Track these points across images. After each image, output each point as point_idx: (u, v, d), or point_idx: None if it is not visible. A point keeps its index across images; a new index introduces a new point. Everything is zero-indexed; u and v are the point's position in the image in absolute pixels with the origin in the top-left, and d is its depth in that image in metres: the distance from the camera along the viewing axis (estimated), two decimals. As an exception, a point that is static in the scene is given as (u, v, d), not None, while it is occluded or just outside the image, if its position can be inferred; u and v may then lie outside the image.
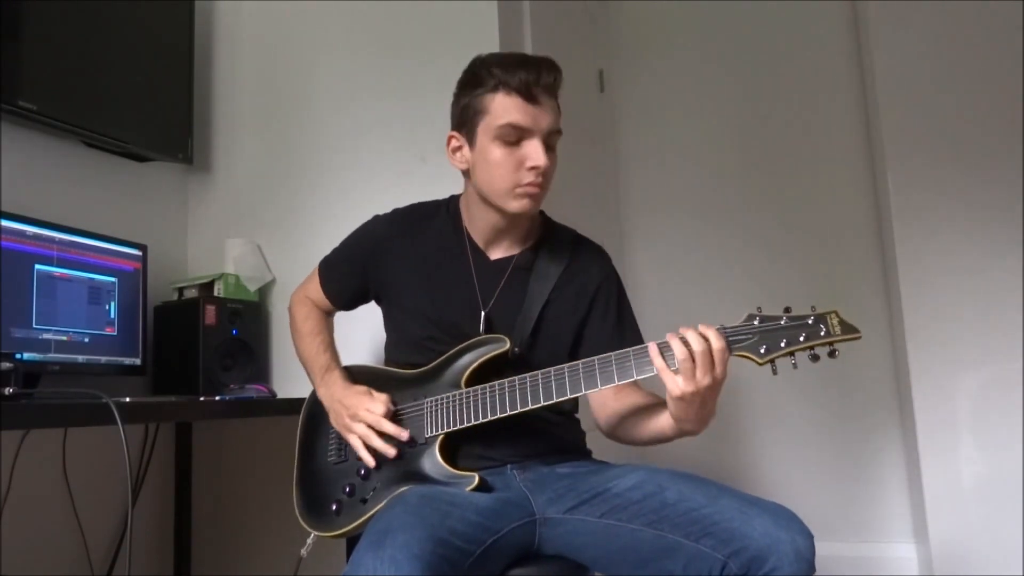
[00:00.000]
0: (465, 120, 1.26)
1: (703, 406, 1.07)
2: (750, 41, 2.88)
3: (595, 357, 1.13)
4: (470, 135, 1.25)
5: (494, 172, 1.23)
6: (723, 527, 1.03)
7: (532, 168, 1.21)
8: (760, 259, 2.76)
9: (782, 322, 1.07)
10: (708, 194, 2.88)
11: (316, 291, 1.48)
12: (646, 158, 3.00)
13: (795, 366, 1.07)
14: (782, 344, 1.06)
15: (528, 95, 1.19)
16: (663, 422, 1.15)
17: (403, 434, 1.22)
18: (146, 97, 2.03)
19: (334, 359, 1.41)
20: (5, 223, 1.54)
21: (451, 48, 1.99)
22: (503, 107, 1.20)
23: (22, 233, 1.58)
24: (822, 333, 1.04)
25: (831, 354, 1.05)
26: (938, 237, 2.32)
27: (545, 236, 1.38)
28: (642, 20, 3.06)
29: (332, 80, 2.15)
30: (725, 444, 2.77)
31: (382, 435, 1.23)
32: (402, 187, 1.95)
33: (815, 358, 1.06)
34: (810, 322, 1.05)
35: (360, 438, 1.24)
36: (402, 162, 2.01)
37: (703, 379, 1.04)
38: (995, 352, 2.23)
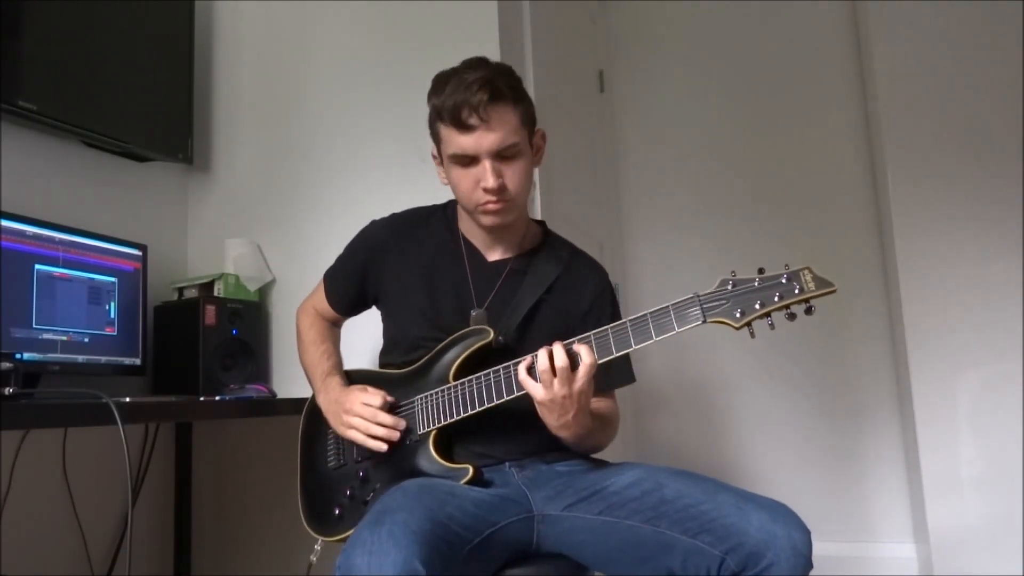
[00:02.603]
0: (433, 139, 1.31)
1: (562, 415, 1.12)
2: (750, 41, 2.89)
3: (576, 337, 1.13)
4: (440, 155, 1.30)
5: (459, 192, 1.29)
6: (720, 523, 1.04)
7: (485, 190, 1.23)
8: (761, 258, 2.71)
9: (756, 283, 1.07)
10: (708, 193, 2.88)
11: (321, 301, 1.50)
12: (646, 158, 3.00)
13: (772, 326, 1.07)
14: (757, 306, 1.06)
15: (460, 124, 1.20)
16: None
17: (400, 423, 1.23)
18: (146, 97, 2.03)
19: (335, 366, 1.41)
20: (5, 223, 1.54)
21: (451, 48, 1.98)
22: (446, 137, 1.24)
23: (22, 233, 1.58)
24: (796, 291, 1.05)
25: (808, 311, 1.05)
26: (938, 236, 2.32)
27: (543, 244, 1.40)
28: (642, 20, 3.06)
29: (332, 80, 2.15)
30: (724, 442, 2.77)
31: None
32: (401, 187, 1.95)
33: (792, 316, 1.06)
34: (783, 280, 1.05)
35: (359, 431, 1.23)
36: (401, 162, 2.01)
37: (559, 390, 1.09)
38: (995, 351, 2.23)
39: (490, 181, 1.21)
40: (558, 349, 1.10)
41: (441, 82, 1.24)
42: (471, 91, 1.18)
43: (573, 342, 1.12)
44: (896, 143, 2.41)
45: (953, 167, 2.33)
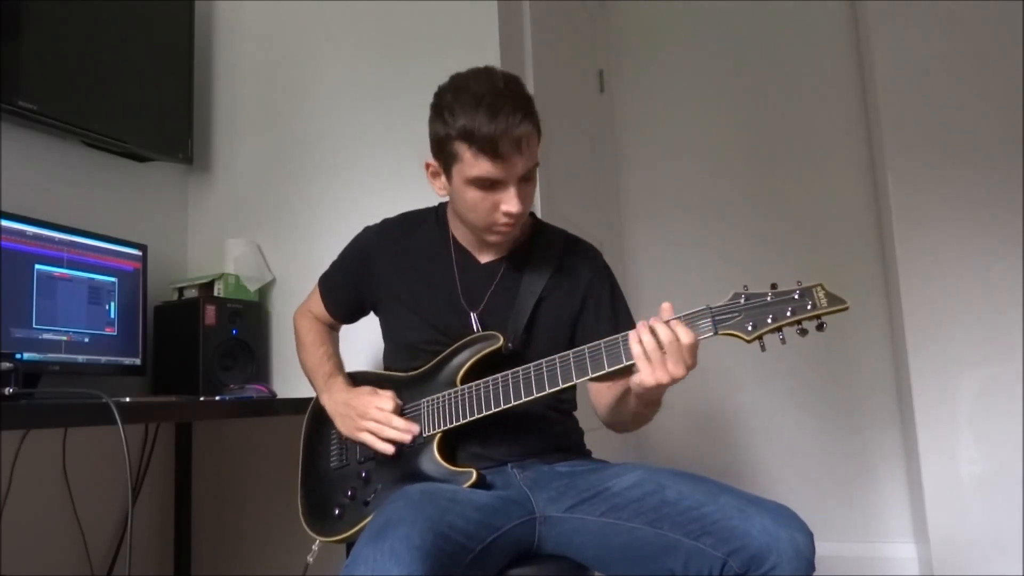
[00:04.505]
0: (440, 153, 1.22)
1: (663, 391, 1.09)
2: (750, 41, 2.89)
3: (585, 346, 1.13)
4: (446, 170, 1.23)
5: (469, 212, 1.23)
6: (723, 525, 1.03)
7: (506, 213, 1.20)
8: (761, 259, 2.76)
9: (768, 298, 1.06)
10: (708, 194, 2.88)
11: (318, 306, 1.50)
12: (646, 158, 3.00)
13: (783, 341, 1.07)
14: (769, 320, 1.05)
15: (495, 153, 1.13)
16: (633, 400, 1.16)
17: (414, 428, 1.22)
18: (146, 97, 2.03)
19: (337, 367, 1.41)
20: (5, 223, 1.54)
21: (451, 48, 2.00)
22: (472, 160, 1.16)
23: (22, 233, 1.58)
24: (809, 307, 1.04)
25: (819, 327, 1.05)
26: (938, 237, 2.32)
27: (535, 237, 1.38)
28: (642, 20, 3.06)
29: (332, 80, 2.15)
30: (725, 444, 2.77)
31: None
32: (402, 186, 1.96)
33: (803, 332, 1.06)
34: (796, 296, 1.05)
35: (372, 433, 1.23)
36: (402, 162, 2.01)
37: (675, 369, 1.04)
38: (995, 352, 2.23)
39: (515, 206, 1.18)
40: (661, 327, 1.04)
41: (464, 102, 1.15)
42: (513, 122, 1.13)
43: (660, 323, 1.06)
44: (896, 143, 2.41)
45: (953, 167, 2.33)
